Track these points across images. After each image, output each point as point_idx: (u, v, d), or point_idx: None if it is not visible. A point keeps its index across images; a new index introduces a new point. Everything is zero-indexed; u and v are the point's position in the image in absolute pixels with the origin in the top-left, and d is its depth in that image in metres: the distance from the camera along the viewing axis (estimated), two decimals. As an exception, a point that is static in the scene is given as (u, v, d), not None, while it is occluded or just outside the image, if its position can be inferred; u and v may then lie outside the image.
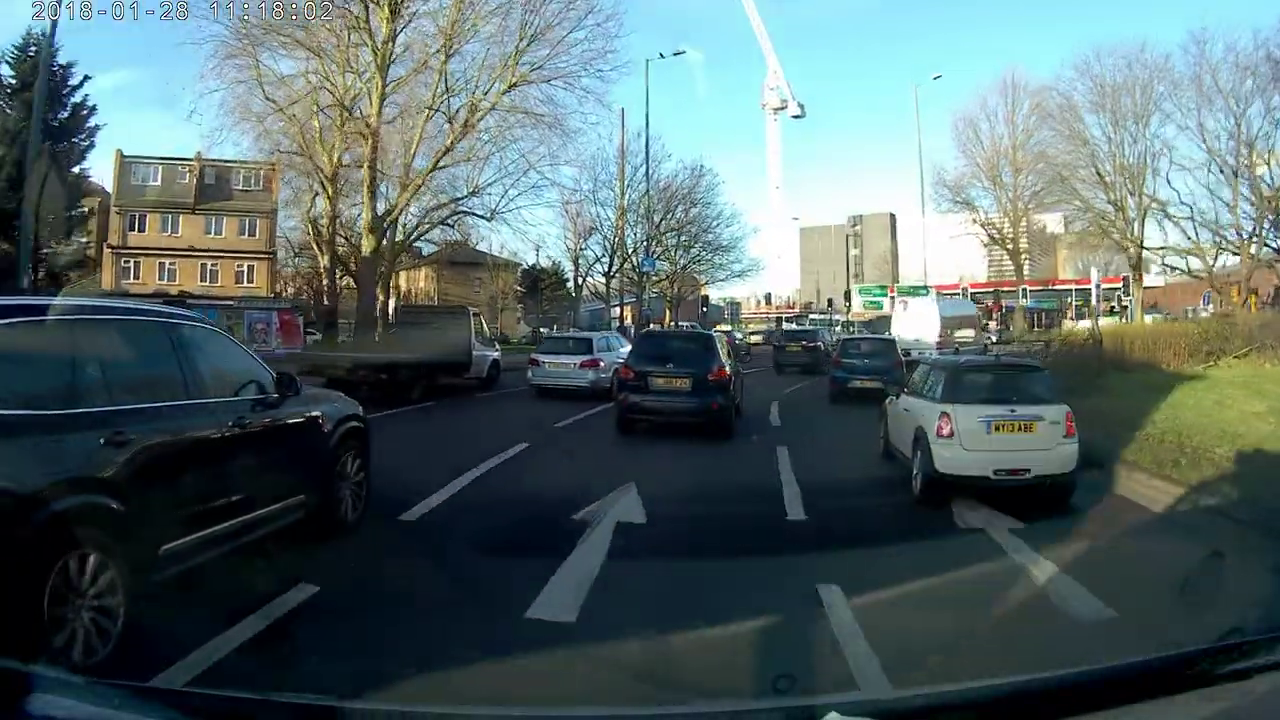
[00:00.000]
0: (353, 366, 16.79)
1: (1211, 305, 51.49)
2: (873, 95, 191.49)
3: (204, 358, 4.98)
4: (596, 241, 48.27)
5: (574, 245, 46.34)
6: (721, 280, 54.98)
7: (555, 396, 17.41)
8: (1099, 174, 39.44)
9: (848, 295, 57.66)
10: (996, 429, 7.71)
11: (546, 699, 3.60)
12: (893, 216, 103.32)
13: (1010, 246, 52.23)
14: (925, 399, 8.68)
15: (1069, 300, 63.29)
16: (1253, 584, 4.63)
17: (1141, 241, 39.53)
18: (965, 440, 7.69)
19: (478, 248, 49.94)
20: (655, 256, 46.71)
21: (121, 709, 1.49)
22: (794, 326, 46.03)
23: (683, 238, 50.51)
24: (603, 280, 49.56)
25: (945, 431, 7.76)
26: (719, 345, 13.02)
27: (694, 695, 3.42)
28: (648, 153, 43.53)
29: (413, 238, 35.43)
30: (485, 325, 21.89)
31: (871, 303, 56.90)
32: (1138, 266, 41.13)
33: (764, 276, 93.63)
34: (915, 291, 51.58)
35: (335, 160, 27.77)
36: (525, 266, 54.84)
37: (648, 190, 44.37)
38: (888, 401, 10.62)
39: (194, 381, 4.79)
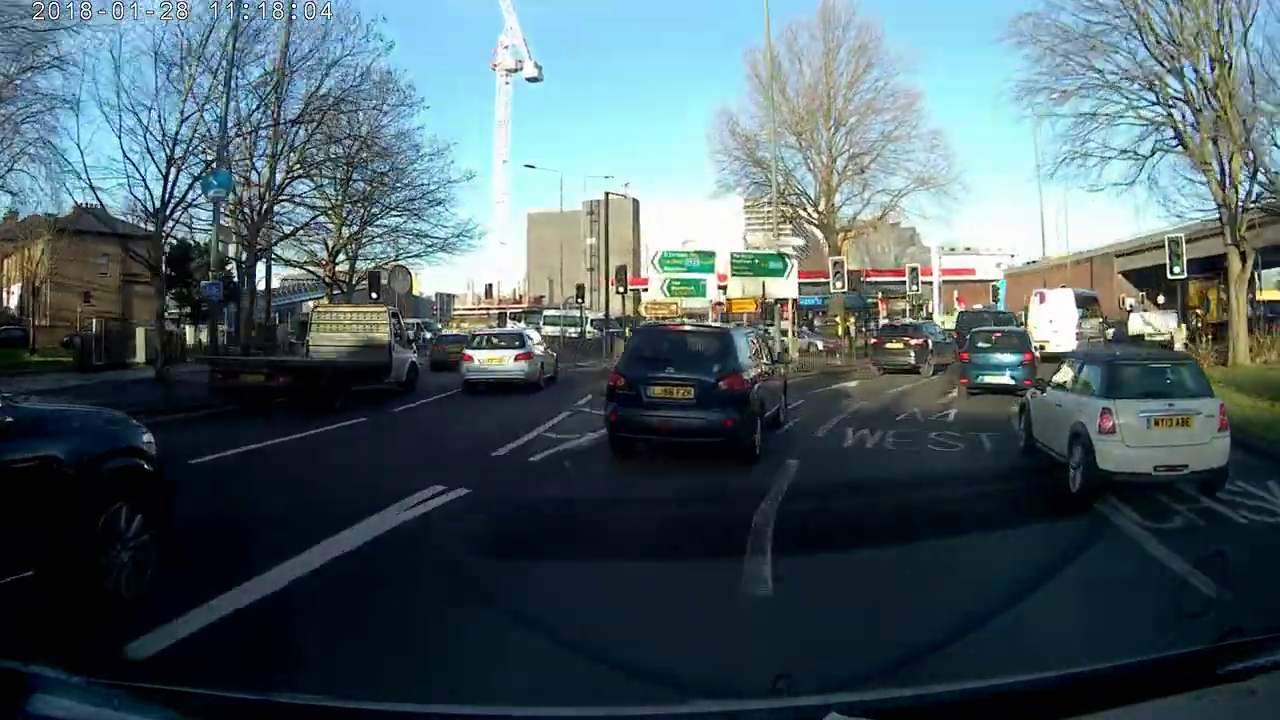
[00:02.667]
0: (271, 372, 16.21)
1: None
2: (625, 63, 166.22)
3: None
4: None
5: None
6: (415, 257, 34.16)
7: (488, 392, 18.24)
8: (1173, 57, 23.02)
9: (621, 274, 33.53)
10: (1155, 424, 7.67)
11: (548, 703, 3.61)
12: (636, 202, 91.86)
13: (825, 222, 38.76)
14: (1081, 394, 8.56)
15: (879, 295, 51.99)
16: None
17: (1236, 186, 22.61)
18: (1127, 436, 7.62)
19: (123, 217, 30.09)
20: (233, 176, 24.68)
21: (121, 709, 1.49)
22: (896, 321, 33.88)
23: (342, 171, 28.85)
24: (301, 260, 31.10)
25: (1108, 427, 7.67)
26: (739, 344, 10.51)
27: (694, 695, 3.42)
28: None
29: None
30: (402, 323, 21.20)
31: (683, 284, 28.01)
32: (1236, 224, 22.92)
33: (483, 264, 78.88)
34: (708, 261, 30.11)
35: None
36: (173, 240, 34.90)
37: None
38: (1029, 396, 10.42)
39: None
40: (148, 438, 5.10)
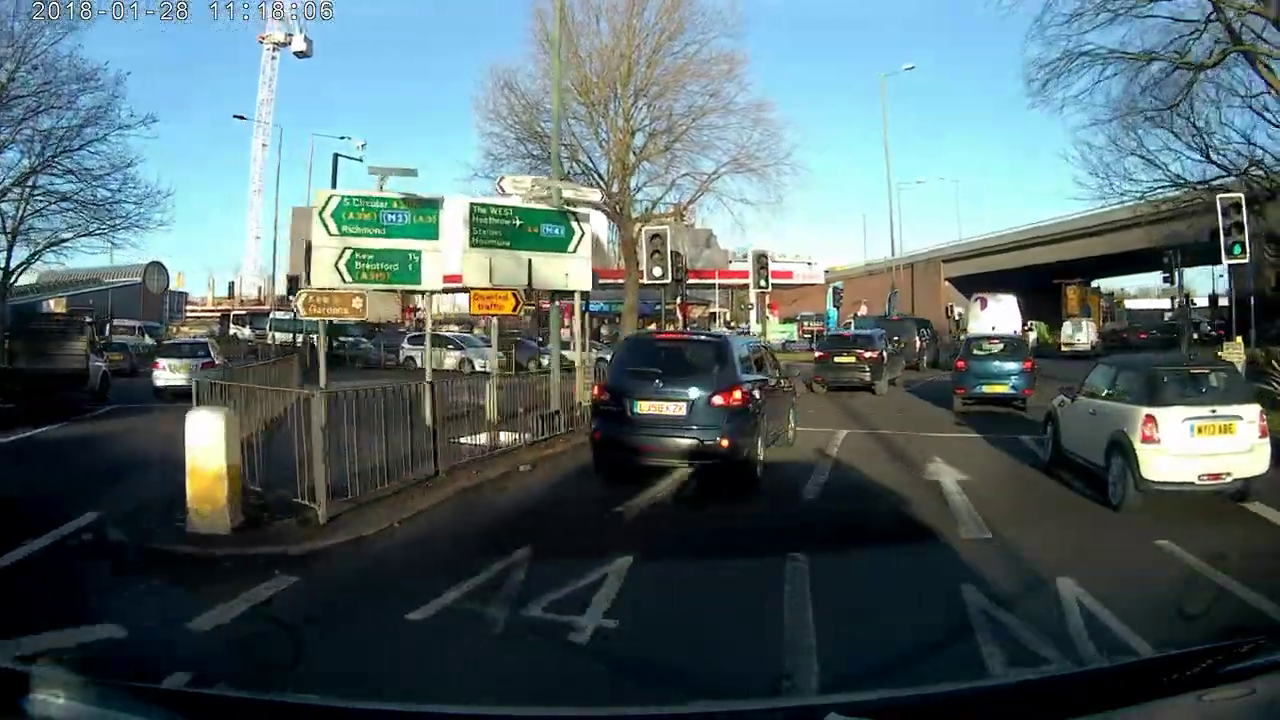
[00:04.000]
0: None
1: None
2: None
3: None
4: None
5: None
6: (89, 235, 25.36)
7: (174, 400, 16.99)
8: None
9: (307, 253, 12.72)
10: (1199, 431, 7.38)
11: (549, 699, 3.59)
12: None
13: (618, 209, 30.29)
14: (1119, 401, 8.23)
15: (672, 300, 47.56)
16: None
17: None
18: (1172, 444, 7.33)
19: None
20: None
21: (121, 709, 1.49)
22: (844, 330, 27.58)
23: None
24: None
25: (1152, 436, 7.34)
26: (737, 354, 9.56)
27: (694, 695, 3.43)
28: None
29: None
30: (95, 334, 21.20)
31: (378, 261, 12.09)
32: None
33: (228, 261, 67.57)
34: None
35: None
36: None
37: None
38: (1058, 405, 9.98)
39: None
40: None
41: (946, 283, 55.74)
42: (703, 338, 10.70)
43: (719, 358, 9.27)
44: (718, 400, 8.66)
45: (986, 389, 16.06)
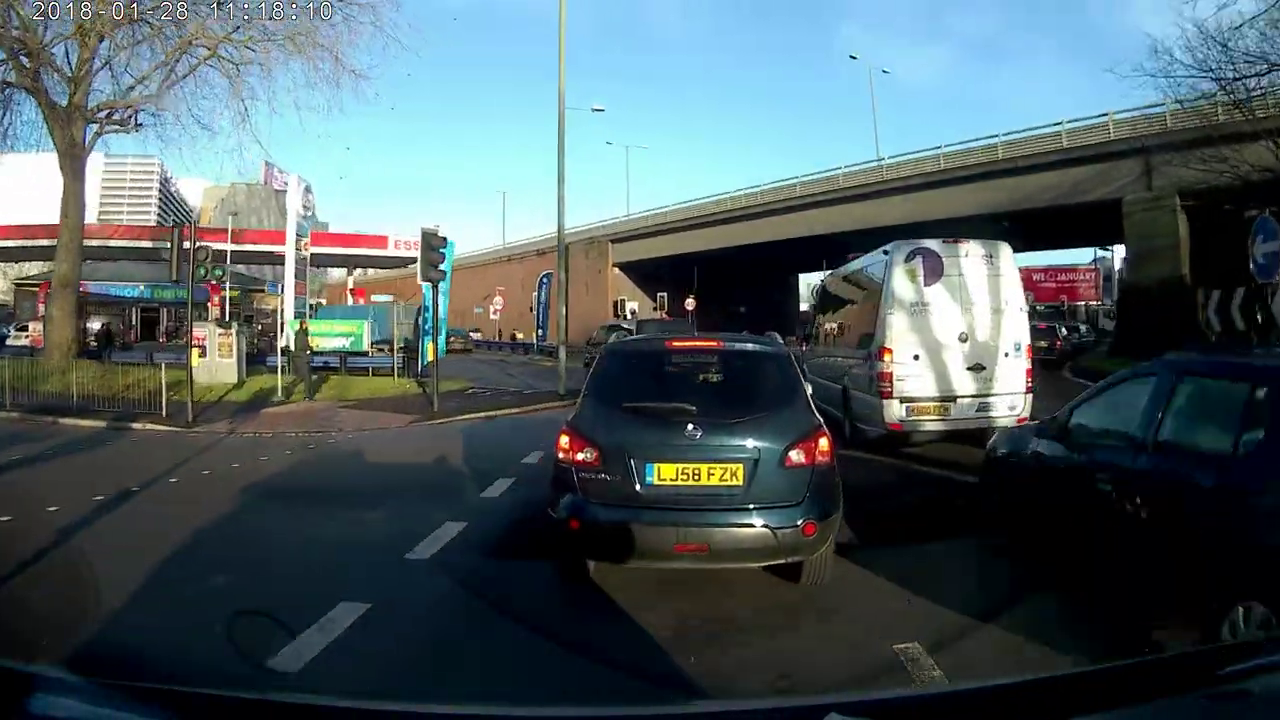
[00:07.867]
0: None
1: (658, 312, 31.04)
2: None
3: None
4: None
5: None
6: None
7: None
8: None
9: None
10: None
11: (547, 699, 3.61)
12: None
13: (69, 100, 18.56)
14: None
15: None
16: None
17: None
18: None
19: None
20: None
21: (121, 709, 1.49)
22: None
23: None
24: None
25: None
26: (803, 376, 6.02)
27: (694, 695, 3.43)
28: None
29: None
30: None
31: None
32: None
33: None
34: None
35: None
36: None
37: None
38: None
39: None
40: None
41: (616, 270, 46.01)
42: (750, 347, 6.30)
43: (784, 382, 5.74)
44: (796, 456, 5.19)
45: None
